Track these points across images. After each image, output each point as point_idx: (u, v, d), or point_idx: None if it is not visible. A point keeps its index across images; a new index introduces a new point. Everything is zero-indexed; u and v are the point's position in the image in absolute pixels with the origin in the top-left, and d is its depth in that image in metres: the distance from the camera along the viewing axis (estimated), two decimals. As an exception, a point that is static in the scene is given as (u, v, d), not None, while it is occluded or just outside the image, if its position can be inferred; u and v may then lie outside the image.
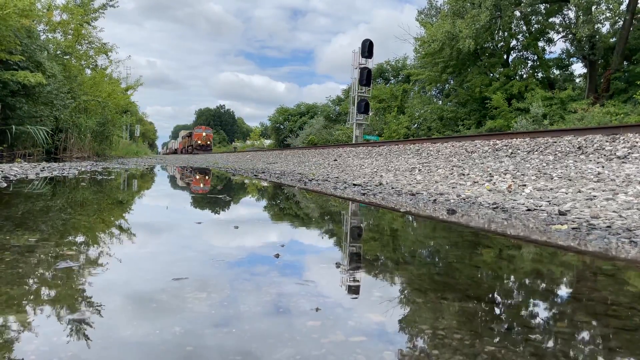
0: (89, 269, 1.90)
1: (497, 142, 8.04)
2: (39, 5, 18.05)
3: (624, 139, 5.91)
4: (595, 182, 4.61)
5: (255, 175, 9.92)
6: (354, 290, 1.69)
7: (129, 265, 2.00)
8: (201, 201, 5.46)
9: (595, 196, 3.96)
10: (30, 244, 2.29)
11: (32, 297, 1.51)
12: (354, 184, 6.77)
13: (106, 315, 1.37)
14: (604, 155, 5.64)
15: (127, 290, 1.63)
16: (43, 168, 9.48)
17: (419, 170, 7.49)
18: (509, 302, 1.59)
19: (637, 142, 5.59)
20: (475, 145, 8.38)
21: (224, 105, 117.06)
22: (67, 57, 20.49)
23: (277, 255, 2.19)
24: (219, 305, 1.46)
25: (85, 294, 1.56)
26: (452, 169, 6.90)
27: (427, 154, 9.13)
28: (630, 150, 5.45)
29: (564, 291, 1.71)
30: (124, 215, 3.96)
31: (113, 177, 8.74)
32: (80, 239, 2.63)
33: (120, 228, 3.14)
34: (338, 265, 2.03)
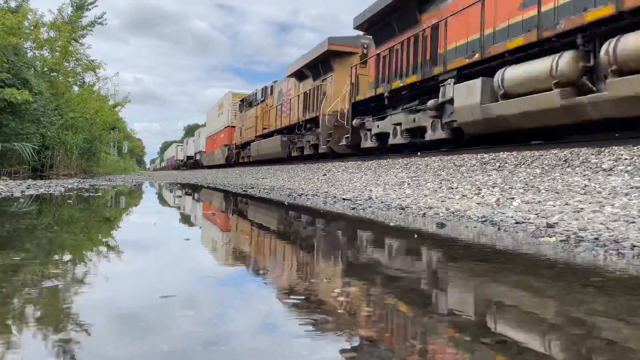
0: (75, 287, 1.87)
1: (485, 155, 8.10)
2: (26, 23, 18.02)
3: (609, 151, 5.99)
4: (582, 194, 4.65)
5: (244, 191, 9.89)
6: (344, 306, 1.67)
7: (116, 283, 1.97)
8: (189, 218, 5.42)
9: (582, 208, 4.00)
10: (16, 262, 2.24)
11: (17, 317, 1.48)
12: (344, 199, 6.76)
13: (93, 334, 1.34)
14: (590, 168, 5.71)
15: (114, 308, 1.60)
16: (29, 186, 9.36)
17: (408, 184, 7.51)
18: (499, 314, 1.59)
19: (621, 155, 5.67)
20: (463, 159, 8.44)
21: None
22: (54, 74, 20.42)
23: (264, 272, 2.17)
24: (206, 321, 1.44)
25: (71, 314, 1.53)
26: (441, 183, 6.93)
27: (416, 167, 9.17)
28: (615, 163, 5.52)
29: (552, 303, 1.71)
30: (111, 233, 3.91)
31: (100, 194, 8.66)
32: (66, 257, 2.59)
33: (107, 246, 3.10)
34: (328, 280, 2.01)
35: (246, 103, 25.79)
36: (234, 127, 28.79)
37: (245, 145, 25.11)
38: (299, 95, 17.39)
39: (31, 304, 1.63)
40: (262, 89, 23.06)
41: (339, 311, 1.57)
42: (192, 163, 48.75)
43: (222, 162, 30.91)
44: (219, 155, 31.62)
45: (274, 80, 21.83)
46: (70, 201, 6.62)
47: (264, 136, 21.26)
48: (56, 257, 2.55)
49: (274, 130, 19.91)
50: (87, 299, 1.70)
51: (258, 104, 23.21)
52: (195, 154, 46.48)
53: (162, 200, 8.67)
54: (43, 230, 3.65)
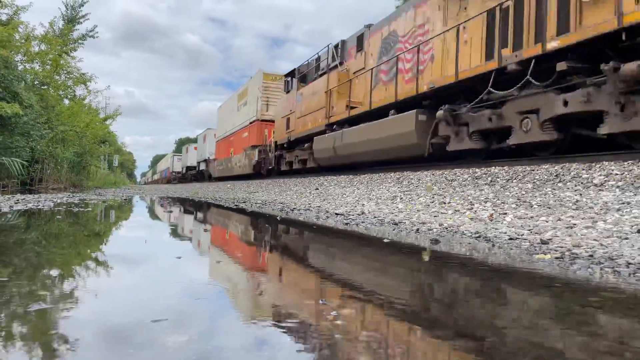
0: (63, 311, 1.81)
1: (477, 170, 8.13)
2: (17, 36, 17.98)
3: (599, 167, 6.03)
4: (574, 209, 4.66)
5: (236, 205, 9.83)
6: (339, 329, 1.64)
7: (104, 305, 1.92)
8: (181, 234, 5.36)
9: (575, 224, 4.00)
10: (2, 281, 2.19)
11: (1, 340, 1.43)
12: (336, 213, 6.74)
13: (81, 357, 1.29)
14: (582, 183, 5.74)
15: (104, 332, 1.55)
16: (17, 200, 9.24)
17: (401, 198, 7.51)
18: (500, 338, 1.56)
19: (612, 170, 5.71)
20: (455, 173, 8.46)
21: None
22: (45, 87, 20.32)
23: (260, 293, 2.13)
24: (197, 341, 1.40)
25: (59, 339, 1.48)
26: (433, 198, 6.93)
27: (408, 182, 9.18)
28: (606, 178, 5.56)
29: (553, 326, 1.68)
30: (100, 248, 3.85)
31: (90, 209, 8.56)
32: (54, 275, 2.53)
33: (96, 260, 3.04)
34: (322, 302, 1.98)
35: (298, 77, 16.56)
36: (268, 121, 20.71)
37: (300, 142, 16.29)
38: (478, 17, 8.36)
39: (17, 326, 1.58)
40: (337, 45, 13.92)
41: (337, 336, 1.53)
42: (193, 175, 40.69)
43: (246, 171, 21.72)
44: (241, 162, 22.71)
45: (366, 25, 12.83)
46: (60, 217, 6.52)
47: (351, 122, 12.63)
48: (43, 273, 2.49)
49: (384, 106, 11.03)
50: (75, 322, 1.66)
51: (327, 71, 14.12)
52: (199, 163, 38.31)
53: (152, 214, 8.58)
54: (31, 246, 3.59)
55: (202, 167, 36.56)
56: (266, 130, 20.70)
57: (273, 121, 20.14)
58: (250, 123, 22.36)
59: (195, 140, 48.50)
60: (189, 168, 43.70)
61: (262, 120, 21.29)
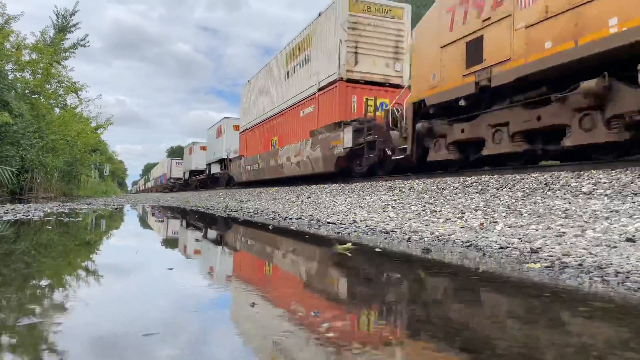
0: (53, 324, 1.80)
1: (467, 179, 8.19)
2: (8, 45, 17.91)
3: (588, 175, 6.10)
4: (563, 218, 4.71)
5: (228, 214, 9.81)
6: (332, 341, 1.65)
7: (95, 314, 1.91)
8: (172, 243, 5.33)
9: (564, 232, 4.04)
10: (-10, 296, 2.17)
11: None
12: (328, 222, 6.74)
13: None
14: (570, 191, 5.80)
15: (95, 346, 1.55)
16: (7, 210, 9.16)
17: (392, 207, 7.53)
18: (490, 349, 1.57)
19: (600, 179, 5.77)
20: (446, 182, 8.51)
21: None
22: (36, 96, 20.24)
23: (252, 304, 2.13)
24: (190, 352, 1.40)
25: (49, 353, 1.48)
26: (425, 206, 6.96)
27: (400, 190, 9.21)
28: (595, 187, 5.62)
29: (543, 337, 1.70)
30: (91, 258, 3.82)
31: (80, 218, 8.51)
32: (43, 286, 2.51)
33: (87, 271, 3.02)
34: (316, 313, 1.98)
35: None
36: (359, 82, 13.01)
37: (504, 95, 7.78)
38: None
39: (6, 340, 1.57)
40: None
41: (330, 349, 1.54)
42: (201, 181, 32.73)
43: (319, 168, 14.28)
44: (305, 156, 14.83)
45: None
46: (50, 227, 6.47)
47: None
48: (33, 283, 2.48)
49: None
50: (65, 336, 1.65)
51: None
52: (210, 165, 29.54)
53: (142, 222, 8.54)
54: (20, 255, 3.56)
55: (216, 169, 28.43)
56: (354, 96, 12.93)
57: (364, 82, 13.04)
58: (321, 89, 13.70)
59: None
60: (193, 172, 36.28)
61: (348, 81, 12.97)
